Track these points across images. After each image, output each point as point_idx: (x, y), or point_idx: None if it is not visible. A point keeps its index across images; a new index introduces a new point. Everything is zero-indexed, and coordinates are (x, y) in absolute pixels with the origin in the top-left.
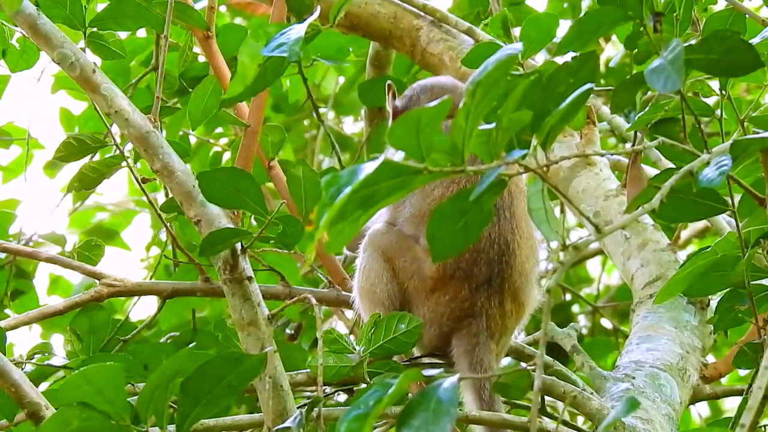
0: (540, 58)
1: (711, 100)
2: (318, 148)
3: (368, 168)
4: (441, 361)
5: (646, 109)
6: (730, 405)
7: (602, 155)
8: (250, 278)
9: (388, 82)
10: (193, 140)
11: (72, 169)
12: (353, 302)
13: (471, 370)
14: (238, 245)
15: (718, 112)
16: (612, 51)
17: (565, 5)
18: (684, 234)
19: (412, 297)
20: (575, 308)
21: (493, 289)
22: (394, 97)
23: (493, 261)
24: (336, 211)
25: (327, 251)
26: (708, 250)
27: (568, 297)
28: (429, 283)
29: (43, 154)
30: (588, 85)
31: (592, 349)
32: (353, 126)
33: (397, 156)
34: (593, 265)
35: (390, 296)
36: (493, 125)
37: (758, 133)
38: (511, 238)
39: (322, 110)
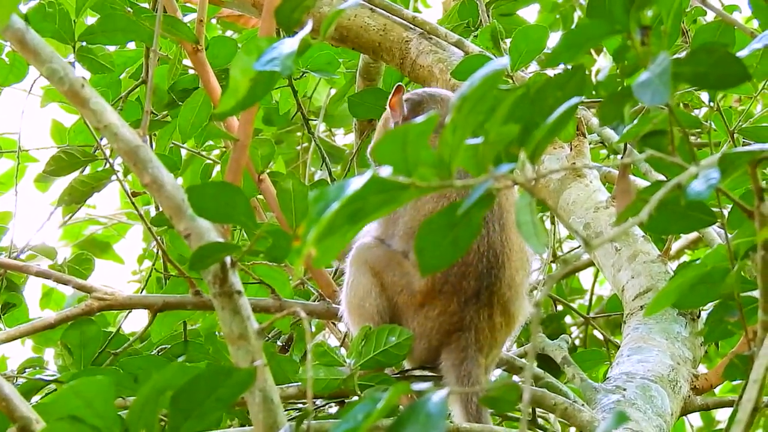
0: (531, 69)
1: (702, 110)
2: (309, 160)
3: (356, 183)
4: (432, 374)
5: (635, 121)
6: (722, 416)
7: (591, 168)
8: (239, 292)
9: (399, 83)
10: (184, 152)
11: (63, 182)
12: (342, 317)
13: (459, 384)
14: (228, 259)
15: (709, 122)
16: (604, 62)
17: (557, 16)
18: (676, 244)
19: (402, 311)
20: (568, 319)
21: (482, 302)
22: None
23: (482, 274)
24: (323, 226)
25: (315, 266)
26: (698, 262)
27: (560, 308)
28: (418, 298)
29: (35, 167)
30: (576, 99)
31: (584, 361)
32: (345, 138)
33: (385, 171)
34: (586, 277)
35: (379, 311)
36: (480, 140)
37: (748, 144)
38: (500, 250)
39: (313, 122)
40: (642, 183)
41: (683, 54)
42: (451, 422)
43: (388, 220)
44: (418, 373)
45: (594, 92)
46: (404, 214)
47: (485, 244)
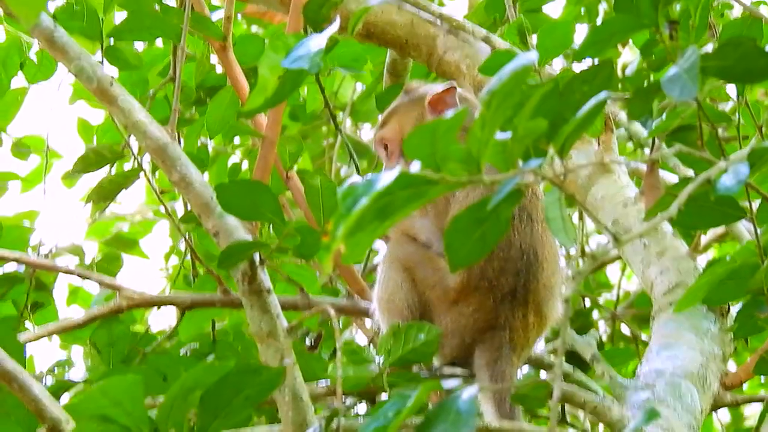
0: (557, 64)
1: (728, 104)
2: (336, 156)
3: (385, 179)
4: (461, 372)
5: (663, 116)
6: (750, 411)
7: (620, 163)
8: (268, 290)
9: (452, 83)
10: (210, 149)
11: (90, 177)
12: (373, 312)
13: (492, 382)
14: (257, 257)
15: (736, 115)
16: (629, 55)
17: (582, 10)
18: (704, 239)
19: (434, 307)
20: (594, 314)
21: (518, 301)
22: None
23: (520, 271)
24: (352, 222)
25: (344, 262)
26: (727, 258)
27: (588, 303)
28: (452, 294)
29: (61, 164)
30: (603, 94)
31: (612, 357)
32: (371, 133)
33: (414, 166)
34: (613, 271)
35: (410, 306)
36: (508, 135)
37: None
38: (540, 250)
39: (339, 118)
40: (670, 178)
41: (710, 48)
42: (480, 421)
43: (421, 214)
44: (447, 370)
45: (620, 86)
46: (435, 208)
47: (527, 241)
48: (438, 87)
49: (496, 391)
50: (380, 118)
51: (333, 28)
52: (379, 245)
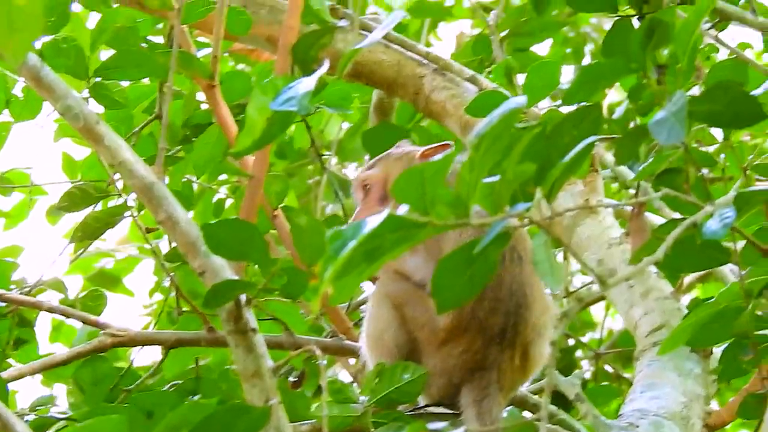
0: (543, 102)
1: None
2: (321, 194)
3: (373, 222)
4: (447, 412)
5: (650, 159)
6: None
7: (607, 206)
8: (254, 330)
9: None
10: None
11: (74, 214)
12: (360, 350)
13: (479, 422)
14: (242, 297)
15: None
16: (615, 96)
17: (568, 50)
18: (687, 279)
19: (422, 347)
20: (578, 353)
21: (507, 341)
22: None
23: (509, 312)
24: (341, 264)
25: (332, 304)
26: (711, 300)
27: (571, 342)
28: (441, 334)
29: (45, 200)
30: (592, 138)
31: (596, 396)
32: (356, 171)
33: (402, 209)
34: (597, 310)
35: (398, 345)
36: (497, 178)
37: (761, 180)
38: (528, 291)
39: (325, 156)
40: (655, 219)
41: (696, 90)
42: None
43: (411, 253)
44: (432, 410)
45: (606, 126)
46: (424, 248)
47: (516, 282)
48: (433, 145)
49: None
50: (367, 160)
51: (322, 70)
52: (366, 284)
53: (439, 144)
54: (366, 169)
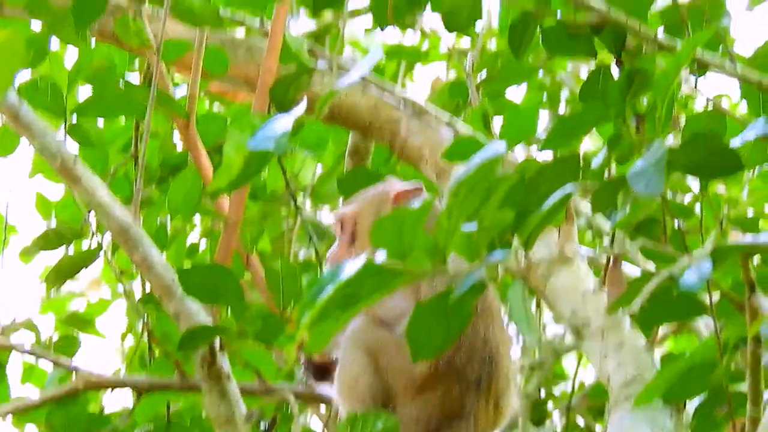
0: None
1: (688, 195)
2: (295, 238)
3: (350, 268)
4: None
5: (627, 209)
6: None
7: (581, 256)
8: (228, 376)
9: (419, 183)
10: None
11: (47, 253)
12: (333, 398)
13: None
14: (217, 342)
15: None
16: (589, 143)
17: (544, 96)
18: (660, 331)
19: (398, 394)
20: (549, 405)
21: (482, 390)
22: None
23: (484, 361)
24: (317, 311)
25: (308, 351)
26: (686, 354)
27: (542, 393)
28: (418, 382)
29: (18, 239)
30: (570, 188)
31: None
32: (330, 215)
33: (380, 255)
34: (569, 361)
35: (372, 392)
36: (474, 226)
37: (737, 230)
38: (500, 339)
39: (299, 199)
40: (630, 268)
41: (672, 138)
42: None
43: (387, 301)
44: None
45: (583, 175)
46: (400, 293)
47: (490, 330)
48: (407, 185)
49: None
50: (341, 203)
51: (300, 110)
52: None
53: (413, 187)
54: (342, 207)
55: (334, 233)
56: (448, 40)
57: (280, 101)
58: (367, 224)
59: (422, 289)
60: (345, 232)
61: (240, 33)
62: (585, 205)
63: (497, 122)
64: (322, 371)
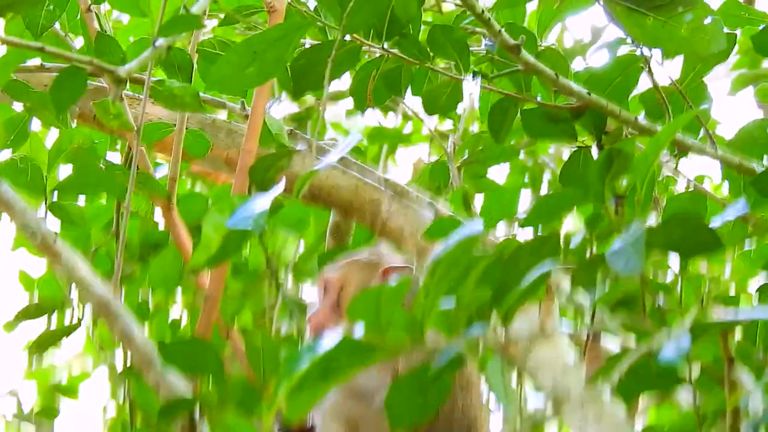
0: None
1: (669, 273)
2: (276, 315)
3: (327, 343)
4: None
5: (606, 288)
6: None
7: (561, 332)
8: None
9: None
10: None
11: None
12: None
13: None
14: (197, 411)
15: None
16: (571, 223)
17: (526, 179)
18: (641, 404)
19: None
20: None
21: None
22: None
23: None
24: (294, 383)
25: (285, 420)
26: (666, 428)
27: None
28: None
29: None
30: (548, 266)
31: None
32: (312, 292)
33: (358, 330)
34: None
35: None
36: (452, 304)
37: (717, 309)
38: (478, 411)
39: (281, 276)
40: (611, 343)
41: (654, 219)
42: None
43: (365, 373)
44: None
45: (563, 255)
46: (380, 369)
47: (467, 403)
48: (398, 261)
49: None
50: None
51: (278, 190)
52: None
53: (403, 265)
54: (330, 270)
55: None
56: (430, 122)
57: (260, 182)
58: (352, 292)
59: (400, 362)
60: (329, 296)
61: (221, 115)
62: (566, 282)
63: (478, 202)
64: None
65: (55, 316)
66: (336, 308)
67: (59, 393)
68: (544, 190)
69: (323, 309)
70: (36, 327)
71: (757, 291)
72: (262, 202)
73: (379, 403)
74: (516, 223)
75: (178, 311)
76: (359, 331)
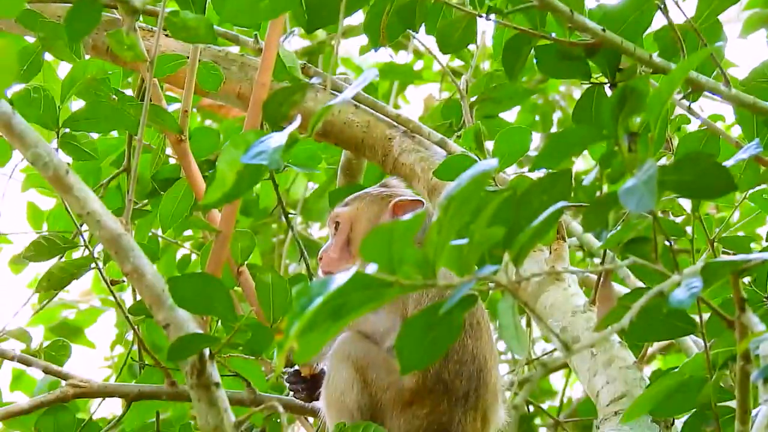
0: (511, 169)
1: (681, 217)
2: (285, 253)
3: (339, 280)
4: None
5: (618, 227)
6: None
7: (573, 273)
8: (217, 384)
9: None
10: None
11: (38, 264)
12: (320, 411)
13: None
14: (206, 351)
15: (689, 229)
16: (582, 164)
17: (537, 117)
18: (649, 349)
19: (386, 409)
20: (537, 420)
21: (470, 404)
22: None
23: (472, 376)
24: (306, 321)
25: (296, 361)
26: (675, 370)
27: (530, 409)
28: (406, 396)
29: (9, 249)
30: (560, 204)
31: None
32: (321, 231)
33: (370, 268)
34: (556, 378)
35: (360, 407)
36: (465, 241)
37: (728, 253)
38: (489, 354)
39: (290, 215)
40: (620, 288)
41: (665, 161)
42: None
43: (375, 313)
44: None
45: (573, 194)
46: (389, 308)
47: (478, 346)
48: (407, 194)
49: None
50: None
51: (294, 126)
52: None
53: (413, 198)
54: (341, 206)
55: (328, 232)
56: (442, 59)
57: (273, 117)
58: (363, 228)
59: (409, 308)
60: (341, 233)
61: (234, 49)
62: (576, 226)
63: (490, 144)
64: (309, 382)
65: None
66: (346, 246)
67: (66, 334)
68: (554, 130)
69: (334, 247)
70: (43, 269)
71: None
72: (278, 138)
73: (389, 348)
74: (527, 164)
75: (187, 248)
76: (372, 268)
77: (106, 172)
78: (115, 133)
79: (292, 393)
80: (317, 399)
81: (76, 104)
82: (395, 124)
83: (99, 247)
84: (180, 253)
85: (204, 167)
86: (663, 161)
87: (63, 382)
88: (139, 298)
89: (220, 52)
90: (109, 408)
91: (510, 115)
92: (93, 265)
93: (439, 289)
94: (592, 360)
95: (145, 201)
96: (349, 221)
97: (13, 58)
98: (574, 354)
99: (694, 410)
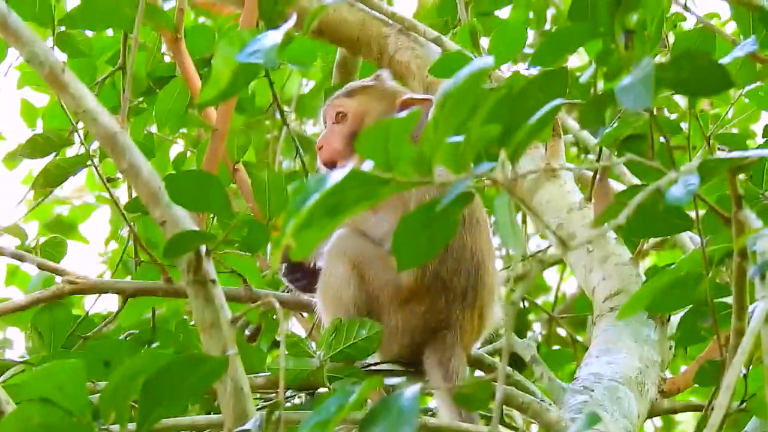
0: (506, 67)
1: (675, 114)
2: (280, 150)
3: (336, 176)
4: (402, 369)
5: (614, 124)
6: (682, 416)
7: (570, 170)
8: (213, 281)
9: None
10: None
11: (32, 161)
12: (316, 307)
13: (446, 382)
14: (203, 248)
15: (685, 126)
16: (576, 61)
17: (531, 15)
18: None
19: (383, 306)
20: (531, 316)
21: (468, 302)
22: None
23: (470, 273)
24: (303, 218)
25: (293, 258)
26: (672, 266)
27: (525, 304)
28: (404, 293)
29: (3, 146)
30: (557, 101)
31: (550, 360)
32: (315, 128)
33: (366, 165)
34: (550, 274)
35: (356, 303)
36: (461, 138)
37: (723, 150)
38: (487, 253)
39: (285, 112)
40: (616, 185)
41: (661, 58)
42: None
43: (374, 211)
44: (387, 367)
45: (568, 91)
46: (386, 207)
47: (476, 243)
48: (417, 93)
49: (451, 390)
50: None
51: (289, 24)
52: None
53: (423, 97)
54: (344, 96)
55: (323, 120)
56: None
57: (269, 15)
58: (370, 122)
59: (405, 205)
60: (348, 125)
61: None
62: (572, 122)
63: (485, 42)
64: (305, 277)
65: None
66: (352, 140)
67: (60, 230)
68: (547, 25)
69: (339, 137)
70: (38, 166)
71: (764, 128)
72: (274, 36)
73: (386, 249)
74: (522, 62)
75: (181, 146)
76: (368, 165)
77: (101, 70)
78: (110, 32)
79: (290, 285)
80: (315, 290)
81: (72, 2)
82: (390, 22)
83: (94, 145)
84: (175, 151)
85: (199, 65)
86: (659, 58)
87: (58, 278)
88: (134, 195)
89: None
90: (104, 304)
91: (504, 13)
92: (89, 162)
93: (440, 191)
94: (588, 256)
95: (141, 98)
96: (357, 114)
97: None
98: (572, 250)
99: (690, 306)
